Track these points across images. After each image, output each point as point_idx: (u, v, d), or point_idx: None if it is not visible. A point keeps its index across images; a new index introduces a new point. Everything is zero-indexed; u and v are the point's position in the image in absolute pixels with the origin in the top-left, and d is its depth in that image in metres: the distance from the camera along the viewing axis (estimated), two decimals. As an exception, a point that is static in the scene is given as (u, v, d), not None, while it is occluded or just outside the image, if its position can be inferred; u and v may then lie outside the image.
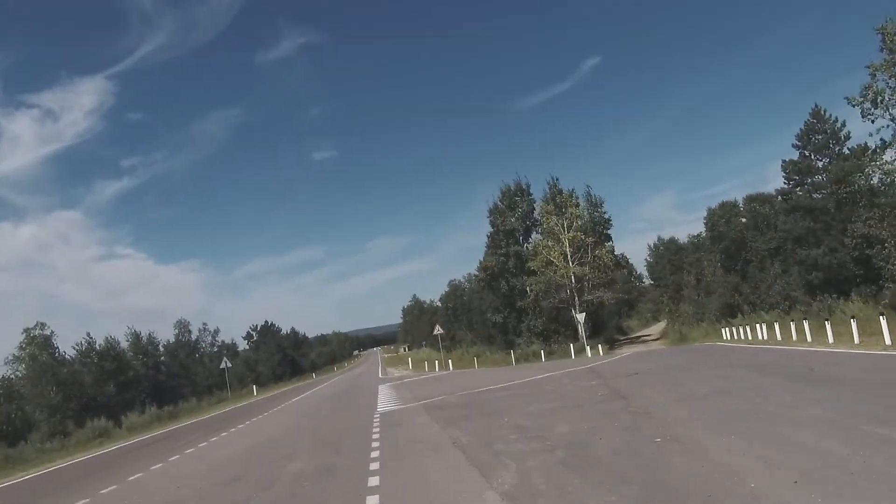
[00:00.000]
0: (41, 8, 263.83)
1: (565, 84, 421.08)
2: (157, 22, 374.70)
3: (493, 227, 55.69)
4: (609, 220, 49.19)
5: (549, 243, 48.62)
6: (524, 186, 55.72)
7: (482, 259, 60.86)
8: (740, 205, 45.57)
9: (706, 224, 46.73)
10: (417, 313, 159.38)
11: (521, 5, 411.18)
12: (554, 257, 47.53)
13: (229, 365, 50.60)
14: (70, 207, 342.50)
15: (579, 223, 48.76)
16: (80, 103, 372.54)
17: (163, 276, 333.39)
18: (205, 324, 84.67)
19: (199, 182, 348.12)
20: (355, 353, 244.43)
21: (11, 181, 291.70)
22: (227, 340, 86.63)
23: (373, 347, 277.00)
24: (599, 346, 43.10)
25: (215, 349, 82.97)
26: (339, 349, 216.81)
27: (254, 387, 54.37)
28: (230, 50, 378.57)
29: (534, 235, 53.22)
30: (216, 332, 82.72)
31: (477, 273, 76.17)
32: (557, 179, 51.07)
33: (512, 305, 55.54)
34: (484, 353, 57.31)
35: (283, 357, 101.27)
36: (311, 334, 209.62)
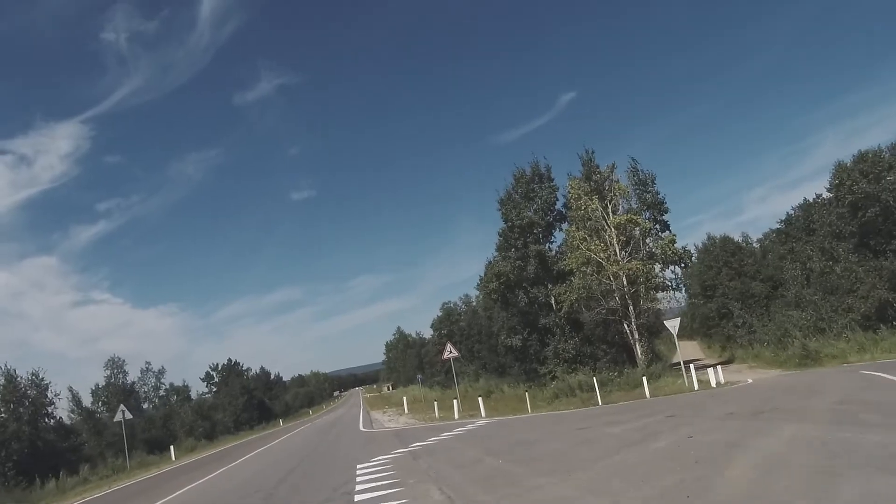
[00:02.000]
0: (14, 52, 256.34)
1: (543, 118, 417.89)
2: (133, 65, 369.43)
3: (505, 222, 42.85)
4: (664, 202, 36.58)
5: (586, 235, 35.86)
6: (544, 170, 43.15)
7: (489, 264, 48.03)
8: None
9: (831, 188, 33.87)
10: (402, 348, 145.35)
11: (499, 44, 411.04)
12: (595, 253, 34.70)
13: (127, 416, 36.62)
14: (45, 253, 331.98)
15: (625, 206, 36.22)
16: (55, 147, 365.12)
17: (140, 321, 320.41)
18: (147, 363, 70.29)
19: (178, 224, 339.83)
20: (335, 393, 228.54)
21: None
22: (182, 383, 72.02)
23: (354, 388, 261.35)
24: (690, 372, 30.14)
25: (162, 394, 68.55)
26: (318, 390, 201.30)
27: (171, 448, 39.92)
28: (208, 91, 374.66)
29: (564, 229, 40.38)
30: (161, 372, 68.23)
31: (480, 288, 63.27)
32: (593, 153, 38.50)
33: (533, 324, 42.50)
34: (498, 389, 43.94)
35: (249, 400, 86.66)
36: (291, 375, 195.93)
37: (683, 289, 36.19)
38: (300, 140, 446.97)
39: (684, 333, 67.81)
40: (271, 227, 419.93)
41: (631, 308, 34.01)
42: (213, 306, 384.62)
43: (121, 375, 59.24)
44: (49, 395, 40.16)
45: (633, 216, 34.60)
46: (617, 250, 34.87)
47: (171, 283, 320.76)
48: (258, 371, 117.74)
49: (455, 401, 30.16)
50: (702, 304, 49.04)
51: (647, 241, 36.04)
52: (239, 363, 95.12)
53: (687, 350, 54.27)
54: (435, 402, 34.04)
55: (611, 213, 35.84)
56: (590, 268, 34.69)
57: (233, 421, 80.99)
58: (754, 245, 50.98)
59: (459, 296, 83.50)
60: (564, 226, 43.26)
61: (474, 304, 71.86)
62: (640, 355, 33.36)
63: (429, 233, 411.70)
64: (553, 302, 41.93)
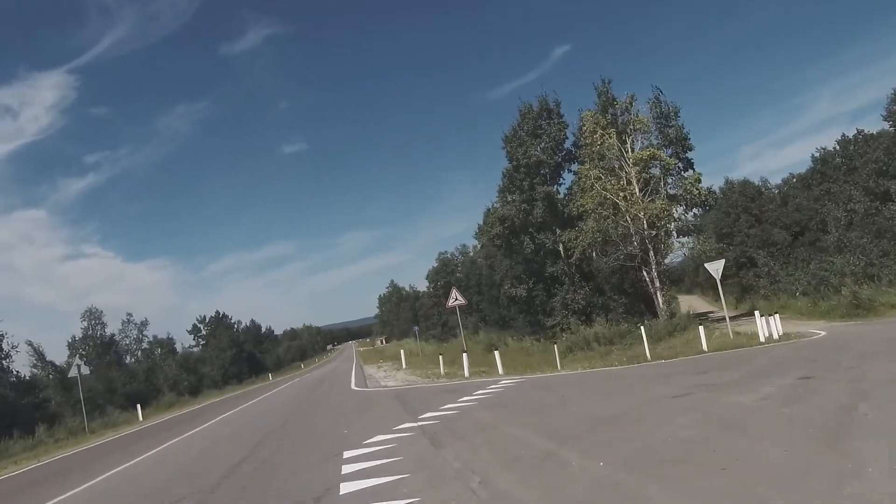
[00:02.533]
0: None
1: (535, 73, 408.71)
2: (117, 14, 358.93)
3: (510, 161, 39.19)
4: (688, 137, 32.89)
5: (601, 174, 32.31)
6: (552, 105, 39.32)
7: (489, 210, 44.61)
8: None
9: (890, 115, 30.31)
10: (396, 301, 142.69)
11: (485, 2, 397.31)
12: (612, 192, 31.21)
13: (84, 371, 33.37)
14: (33, 206, 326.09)
15: (645, 142, 32.58)
16: (40, 98, 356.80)
17: (131, 275, 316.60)
18: (129, 315, 66.84)
19: (167, 178, 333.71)
20: (329, 347, 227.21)
21: None
22: (167, 335, 68.93)
23: (348, 341, 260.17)
24: (702, 325, 26.96)
25: (145, 347, 65.54)
26: (311, 344, 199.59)
27: (138, 407, 36.55)
28: (194, 42, 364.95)
29: (575, 169, 36.73)
30: (144, 324, 65.05)
31: (479, 235, 59.89)
32: (610, 82, 34.61)
33: (539, 273, 39.31)
34: (501, 342, 40.91)
35: (238, 353, 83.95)
36: (284, 329, 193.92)
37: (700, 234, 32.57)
38: (290, 93, 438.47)
39: (682, 287, 64.90)
40: (262, 182, 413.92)
41: (651, 254, 30.71)
42: (203, 261, 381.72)
43: (99, 327, 55.97)
44: (4, 346, 36.58)
45: (655, 151, 31.00)
46: (636, 190, 31.37)
47: (162, 237, 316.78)
48: (248, 324, 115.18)
49: (464, 354, 26.10)
50: (718, 252, 45.66)
51: (668, 180, 32.57)
52: (227, 315, 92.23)
53: (689, 303, 51.21)
54: (440, 356, 30.24)
55: (629, 149, 32.25)
56: (605, 210, 31.22)
57: (221, 375, 78.42)
58: (773, 191, 47.59)
59: (456, 246, 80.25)
60: (575, 166, 39.71)
61: (471, 254, 68.74)
62: (661, 305, 30.20)
63: (420, 189, 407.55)
64: (561, 249, 38.68)
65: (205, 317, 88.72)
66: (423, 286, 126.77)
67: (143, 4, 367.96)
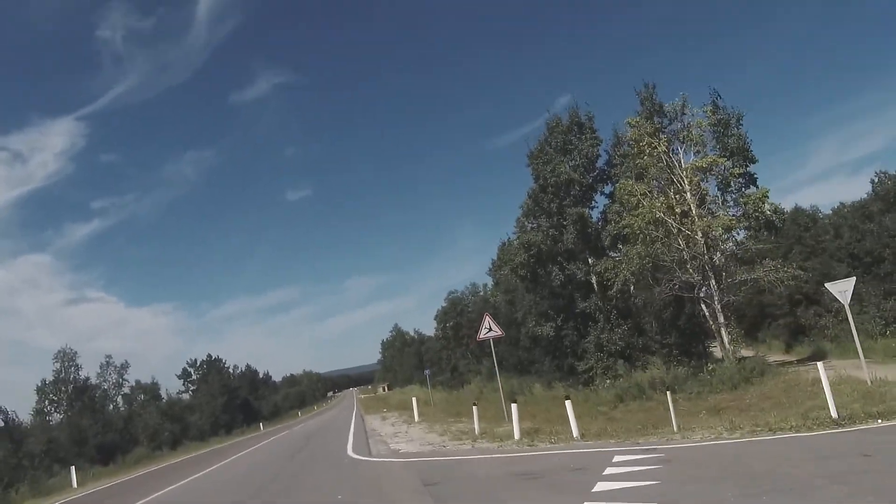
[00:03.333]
0: (10, 48, 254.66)
1: (539, 121, 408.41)
2: (129, 63, 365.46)
3: (535, 180, 34.35)
4: (749, 147, 27.93)
5: (648, 189, 27.33)
6: (584, 119, 34.65)
7: (507, 241, 39.72)
8: None
9: None
10: (400, 346, 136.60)
11: (494, 47, 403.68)
12: (663, 209, 26.17)
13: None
14: (39, 251, 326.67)
15: (700, 154, 27.62)
16: (50, 145, 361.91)
17: (134, 320, 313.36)
18: (108, 357, 61.01)
19: (172, 224, 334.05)
20: (329, 394, 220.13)
21: None
22: (151, 380, 63.09)
23: (348, 388, 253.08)
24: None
25: (125, 392, 59.77)
26: (311, 390, 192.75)
27: (72, 470, 30.21)
28: (204, 91, 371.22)
29: (616, 185, 31.73)
30: (124, 367, 59.34)
31: (494, 271, 54.64)
32: (654, 87, 29.86)
33: (568, 310, 34.07)
34: (525, 391, 35.31)
35: (231, 400, 77.92)
36: (284, 376, 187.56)
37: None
38: (296, 140, 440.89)
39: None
40: (266, 228, 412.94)
41: (713, 282, 25.45)
42: (207, 306, 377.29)
43: (73, 370, 50.39)
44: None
45: (716, 158, 26.05)
46: (693, 207, 26.32)
47: (166, 283, 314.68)
48: (243, 369, 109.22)
49: (513, 406, 17.94)
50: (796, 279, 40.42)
51: (728, 198, 27.58)
52: (220, 359, 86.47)
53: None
54: (474, 407, 21.17)
55: (682, 159, 27.35)
56: (656, 230, 26.14)
57: (210, 423, 72.40)
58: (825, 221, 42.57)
59: (466, 285, 74.99)
60: (609, 188, 34.84)
61: (482, 293, 63.44)
62: (727, 344, 24.80)
63: (425, 236, 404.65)
64: (594, 281, 33.54)
65: (196, 360, 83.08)
66: (429, 330, 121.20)
67: (156, 53, 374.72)
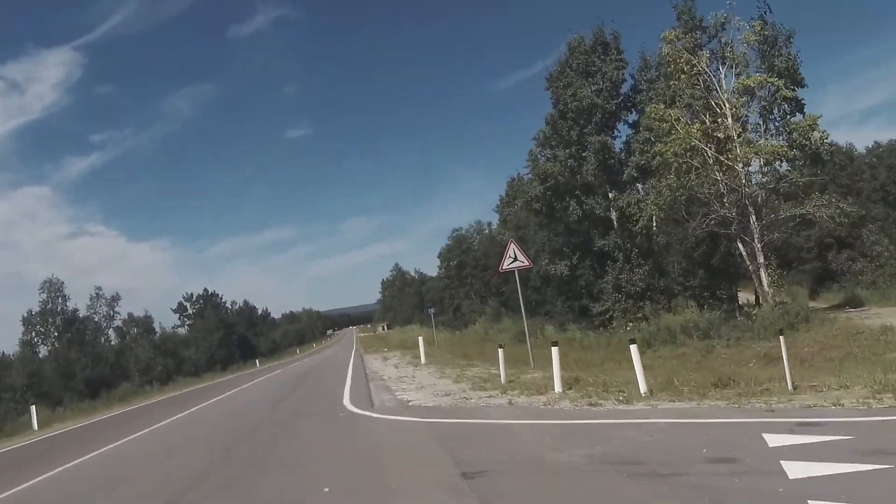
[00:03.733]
0: None
1: (539, 65, 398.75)
2: None
3: (554, 106, 31.40)
4: (799, 69, 24.91)
5: (681, 115, 24.46)
6: (609, 38, 31.40)
7: (523, 170, 37.05)
8: None
9: None
10: (400, 286, 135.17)
11: None
12: (698, 137, 23.34)
13: None
14: (38, 183, 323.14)
15: (743, 74, 24.61)
16: (46, 75, 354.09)
17: (133, 255, 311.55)
18: (98, 289, 58.44)
19: (171, 159, 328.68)
20: (328, 332, 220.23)
21: None
22: (144, 313, 61.07)
23: (348, 326, 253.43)
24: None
25: (117, 325, 57.91)
26: (310, 328, 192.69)
27: (32, 409, 27.61)
28: (202, 23, 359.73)
29: (647, 109, 28.84)
30: (115, 299, 57.30)
31: (503, 207, 51.99)
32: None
33: (585, 248, 31.62)
34: (538, 333, 33.11)
35: (227, 336, 76.42)
36: (283, 313, 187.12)
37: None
38: (296, 78, 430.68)
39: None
40: (265, 165, 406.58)
41: (753, 219, 22.86)
42: (205, 242, 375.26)
43: (59, 301, 48.26)
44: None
45: (765, 78, 23.09)
46: (733, 133, 23.48)
47: (164, 218, 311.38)
48: (241, 305, 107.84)
49: (554, 352, 13.74)
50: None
51: (770, 125, 24.74)
52: (217, 294, 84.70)
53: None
54: (500, 351, 16.52)
55: (723, 80, 24.39)
56: (692, 159, 23.39)
57: (206, 359, 71.06)
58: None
59: (470, 223, 72.42)
60: (633, 116, 32.00)
61: (487, 231, 61.01)
62: (766, 287, 22.38)
63: (425, 177, 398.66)
64: (614, 217, 31.04)
65: (192, 294, 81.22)
66: (430, 270, 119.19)
67: None
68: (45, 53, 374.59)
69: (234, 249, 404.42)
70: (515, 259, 19.49)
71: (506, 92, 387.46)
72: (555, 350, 13.68)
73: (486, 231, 60.76)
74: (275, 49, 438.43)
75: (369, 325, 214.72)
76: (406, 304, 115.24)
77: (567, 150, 30.95)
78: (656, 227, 30.04)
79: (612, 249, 30.47)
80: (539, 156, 32.91)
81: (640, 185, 31.12)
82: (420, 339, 24.97)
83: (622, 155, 30.75)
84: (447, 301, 58.68)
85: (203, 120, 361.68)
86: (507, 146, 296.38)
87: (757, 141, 24.05)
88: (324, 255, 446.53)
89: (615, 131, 31.69)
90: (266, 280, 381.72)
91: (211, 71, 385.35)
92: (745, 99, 23.26)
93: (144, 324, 59.33)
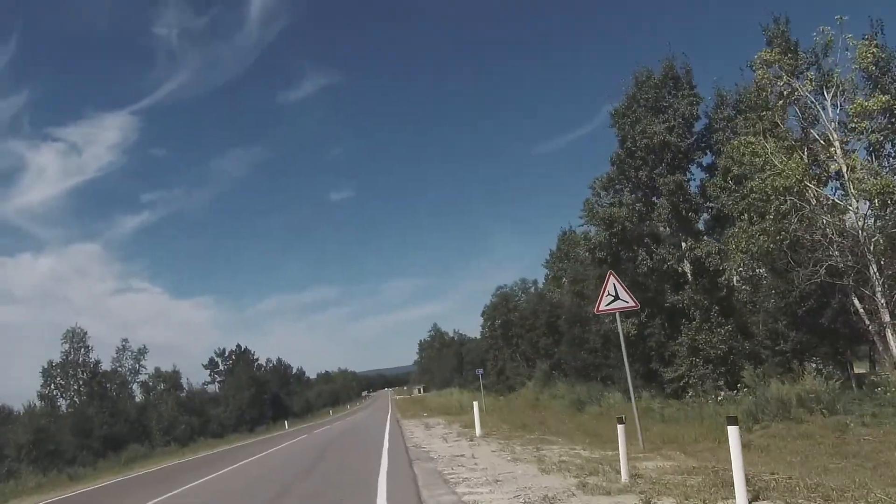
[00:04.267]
0: (69, 43, 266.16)
1: (583, 129, 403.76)
2: (181, 59, 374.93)
3: (621, 144, 28.22)
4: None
5: (777, 148, 20.92)
6: (681, 72, 28.33)
7: (581, 215, 33.80)
8: None
9: None
10: (438, 347, 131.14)
11: (539, 54, 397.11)
12: (801, 174, 19.71)
13: None
14: (89, 240, 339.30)
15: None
16: (103, 138, 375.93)
17: (177, 311, 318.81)
18: (124, 341, 55.86)
19: (217, 219, 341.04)
20: (364, 393, 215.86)
21: (34, 213, 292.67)
22: (172, 368, 58.28)
23: (383, 389, 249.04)
24: None
25: (142, 379, 55.12)
26: (345, 389, 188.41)
27: None
28: (252, 89, 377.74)
29: (708, 163, 25.53)
30: (142, 352, 54.69)
31: (552, 263, 48.37)
32: (788, 22, 23.30)
33: (656, 303, 27.85)
34: (593, 400, 29.01)
35: (258, 394, 73.07)
36: (318, 373, 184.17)
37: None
38: (341, 141, 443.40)
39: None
40: (309, 226, 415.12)
41: (874, 268, 18.94)
42: (247, 301, 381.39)
43: (82, 351, 45.74)
44: None
45: (889, 100, 19.50)
46: (843, 167, 19.82)
47: (209, 276, 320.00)
48: (275, 362, 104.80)
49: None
50: None
51: (883, 160, 21.00)
52: (250, 350, 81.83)
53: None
54: (619, 428, 9.73)
55: (828, 107, 20.89)
56: (793, 198, 19.74)
57: (236, 417, 67.72)
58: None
59: (515, 280, 68.72)
60: (708, 159, 28.52)
61: (532, 289, 57.32)
62: (895, 352, 18.27)
63: (465, 240, 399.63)
64: (687, 269, 27.33)
65: (223, 350, 78.48)
66: (469, 331, 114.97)
67: (208, 50, 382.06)
68: (103, 116, 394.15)
69: (275, 308, 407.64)
70: (617, 297, 15.76)
71: (547, 155, 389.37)
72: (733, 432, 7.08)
73: (532, 289, 57.14)
74: (321, 113, 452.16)
75: (405, 388, 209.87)
76: (444, 366, 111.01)
77: (635, 195, 27.65)
78: (741, 279, 26.32)
79: (686, 306, 26.66)
80: (597, 204, 29.55)
81: (716, 237, 27.46)
82: (475, 404, 20.34)
83: (698, 198, 27.16)
84: (490, 363, 54.64)
85: (250, 181, 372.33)
86: (546, 210, 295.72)
87: (869, 178, 20.35)
88: (362, 315, 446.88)
89: (688, 173, 28.22)
90: (304, 339, 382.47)
91: (259, 134, 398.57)
92: (863, 125, 19.58)
93: (172, 379, 56.45)
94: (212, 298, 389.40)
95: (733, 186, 23.33)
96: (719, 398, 20.82)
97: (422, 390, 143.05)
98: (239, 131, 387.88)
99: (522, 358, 50.84)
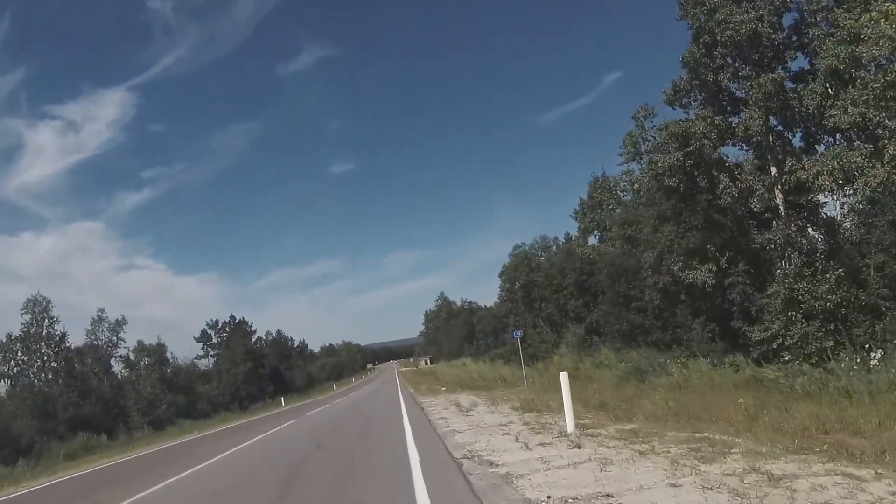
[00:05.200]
0: (65, 20, 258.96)
1: (585, 99, 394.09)
2: (179, 34, 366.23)
3: (694, 38, 21.89)
4: None
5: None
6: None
7: (621, 152, 27.95)
8: None
9: None
10: (446, 317, 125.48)
11: (542, 24, 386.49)
12: None
13: None
14: (91, 218, 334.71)
15: None
16: (102, 114, 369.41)
17: (181, 288, 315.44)
18: (100, 311, 49.60)
19: (218, 194, 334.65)
20: (369, 366, 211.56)
21: (34, 192, 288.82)
22: (157, 340, 52.46)
23: (388, 361, 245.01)
24: None
25: (119, 352, 49.39)
26: (350, 362, 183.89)
27: None
28: (251, 62, 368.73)
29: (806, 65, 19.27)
30: (119, 324, 48.79)
31: (581, 215, 42.19)
32: None
33: (741, 246, 21.89)
34: (656, 368, 23.02)
35: (254, 369, 67.47)
36: (321, 346, 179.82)
37: None
38: (342, 113, 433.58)
39: None
40: (311, 200, 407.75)
41: None
42: (251, 276, 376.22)
43: (46, 323, 39.86)
44: None
45: None
46: None
47: (212, 252, 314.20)
48: (275, 335, 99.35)
49: None
50: None
51: None
52: (246, 321, 76.01)
53: None
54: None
55: None
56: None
57: (230, 394, 62.35)
58: None
59: (535, 237, 62.20)
60: (798, 64, 22.27)
61: (554, 247, 51.30)
62: None
63: (465, 212, 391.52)
64: (779, 202, 21.34)
65: (216, 321, 72.72)
66: (481, 299, 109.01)
67: (205, 24, 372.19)
68: (101, 93, 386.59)
69: (279, 282, 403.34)
70: None
71: (549, 125, 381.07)
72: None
73: (554, 247, 51.11)
74: (320, 86, 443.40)
75: (411, 360, 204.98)
76: (453, 336, 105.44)
77: (713, 106, 21.54)
78: (850, 211, 20.47)
79: (779, 247, 20.68)
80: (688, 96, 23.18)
81: (817, 158, 21.36)
82: (563, 377, 12.73)
83: (799, 106, 20.93)
84: (511, 329, 48.79)
85: (250, 156, 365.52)
86: (550, 180, 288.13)
87: None
88: (366, 288, 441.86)
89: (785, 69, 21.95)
90: (309, 313, 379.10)
91: (258, 108, 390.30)
92: None
93: (156, 353, 50.71)
94: (215, 274, 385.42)
95: (839, 93, 17.36)
96: (873, 359, 14.82)
97: (428, 362, 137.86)
98: (238, 105, 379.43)
99: (546, 323, 45.02)
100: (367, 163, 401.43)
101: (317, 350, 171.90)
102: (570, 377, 12.83)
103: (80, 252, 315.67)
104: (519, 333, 22.79)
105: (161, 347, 51.53)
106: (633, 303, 29.61)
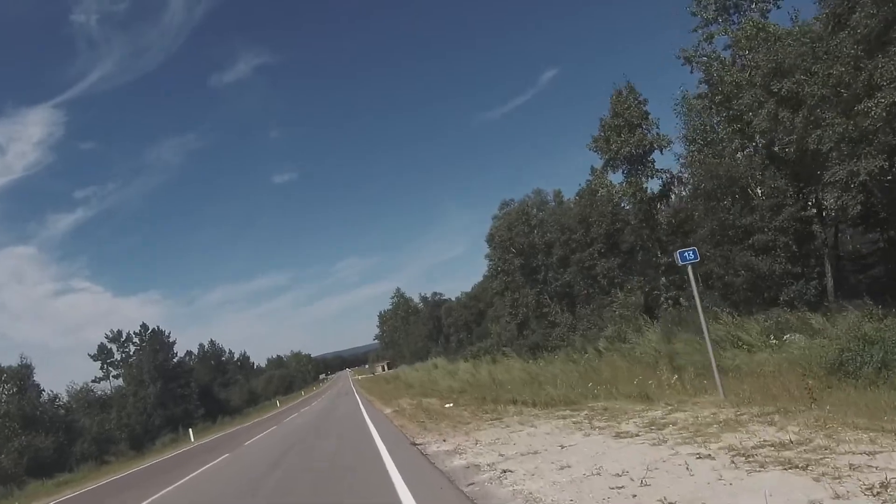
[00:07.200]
0: None
1: (524, 97, 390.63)
2: (105, 47, 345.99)
3: None
4: None
5: None
6: None
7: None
8: None
9: None
10: (404, 315, 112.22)
11: (477, 25, 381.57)
12: None
13: None
14: (23, 243, 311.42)
15: None
16: (27, 134, 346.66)
17: (123, 309, 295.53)
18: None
19: (157, 211, 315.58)
20: (321, 376, 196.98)
21: None
22: (21, 361, 38.01)
23: (343, 370, 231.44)
24: None
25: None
26: (300, 373, 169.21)
27: None
28: (183, 74, 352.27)
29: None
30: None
31: (606, 131, 29.81)
32: None
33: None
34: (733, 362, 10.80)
35: (168, 389, 53.01)
36: (269, 358, 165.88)
37: None
38: (281, 122, 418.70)
39: None
40: (253, 212, 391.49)
41: None
42: (196, 293, 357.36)
43: None
44: None
45: None
46: None
47: (153, 271, 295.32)
48: (206, 347, 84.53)
49: None
50: None
51: None
52: (163, 332, 61.10)
53: None
54: None
55: None
56: None
57: (142, 422, 48.31)
58: None
59: (527, 193, 48.69)
60: None
61: (553, 203, 39.18)
62: None
63: (414, 216, 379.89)
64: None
65: (119, 332, 57.71)
66: (448, 292, 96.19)
67: (132, 36, 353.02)
68: (25, 112, 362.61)
69: (226, 298, 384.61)
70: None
71: (489, 125, 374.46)
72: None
73: (552, 203, 38.86)
74: (257, 95, 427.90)
75: (366, 366, 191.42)
76: (415, 335, 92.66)
77: None
78: None
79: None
80: None
81: None
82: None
83: None
84: (508, 312, 36.09)
85: (188, 170, 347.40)
86: (494, 177, 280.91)
87: None
88: (316, 298, 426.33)
89: None
90: (259, 327, 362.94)
91: (194, 121, 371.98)
92: None
93: (17, 374, 36.41)
94: (158, 293, 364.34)
95: None
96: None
97: (385, 367, 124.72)
98: (172, 119, 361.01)
99: (556, 299, 32.73)
100: (310, 171, 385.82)
101: (263, 363, 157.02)
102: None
103: (14, 279, 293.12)
104: (691, 255, 9.78)
105: (25, 369, 37.25)
106: (753, 236, 17.49)
